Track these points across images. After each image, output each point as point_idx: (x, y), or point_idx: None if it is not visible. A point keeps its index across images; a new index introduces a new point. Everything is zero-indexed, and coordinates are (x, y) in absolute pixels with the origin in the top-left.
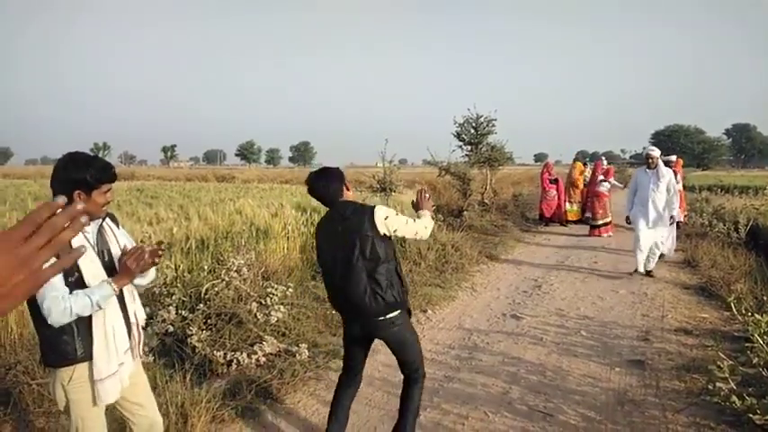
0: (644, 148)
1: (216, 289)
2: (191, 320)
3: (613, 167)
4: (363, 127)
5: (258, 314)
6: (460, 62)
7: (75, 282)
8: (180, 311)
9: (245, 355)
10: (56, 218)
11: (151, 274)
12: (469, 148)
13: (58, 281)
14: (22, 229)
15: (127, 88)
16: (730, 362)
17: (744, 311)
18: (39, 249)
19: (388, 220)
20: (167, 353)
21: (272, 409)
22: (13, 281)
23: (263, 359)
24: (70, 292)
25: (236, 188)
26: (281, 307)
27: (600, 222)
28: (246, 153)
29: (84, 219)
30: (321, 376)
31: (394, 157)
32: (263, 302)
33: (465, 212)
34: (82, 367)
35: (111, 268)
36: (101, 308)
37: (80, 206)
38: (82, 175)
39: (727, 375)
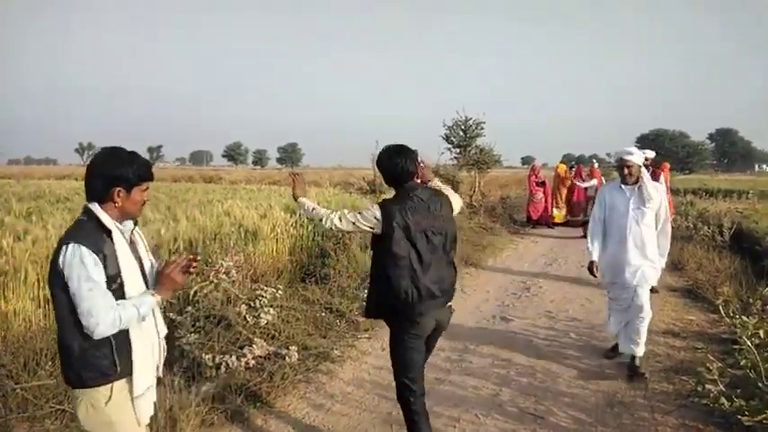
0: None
1: (204, 291)
2: (179, 323)
3: (598, 170)
4: (351, 129)
5: (247, 316)
6: (449, 65)
7: (119, 288)
8: (167, 314)
9: (234, 357)
10: None
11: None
12: (458, 150)
13: (105, 287)
14: None
15: (111, 89)
16: (719, 364)
17: (732, 314)
18: None
19: (456, 210)
20: None
21: (261, 413)
22: None
23: (253, 362)
24: None
25: (224, 189)
26: (271, 309)
27: (582, 220)
28: (233, 154)
29: None
30: (311, 379)
31: None
32: (252, 305)
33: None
34: (120, 385)
35: (143, 280)
36: (143, 320)
37: None
38: (125, 171)
39: (717, 377)
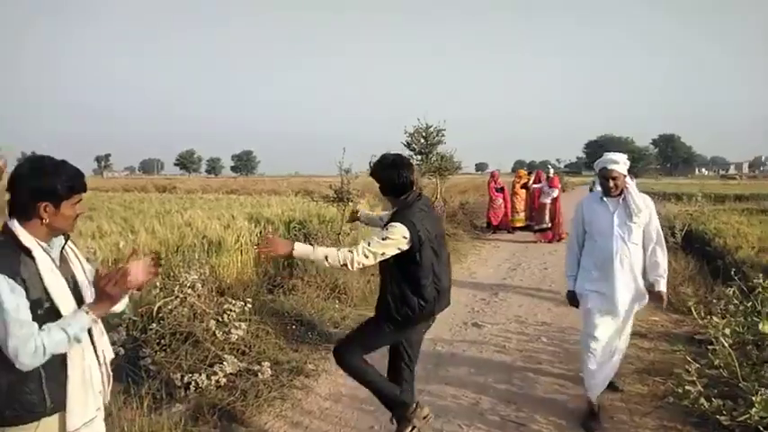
0: (583, 154)
1: (169, 307)
2: (143, 341)
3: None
4: (307, 136)
5: (217, 332)
6: (399, 69)
7: (47, 312)
8: (131, 332)
9: (204, 376)
10: None
11: (125, 300)
12: (420, 157)
13: (24, 314)
14: None
15: (54, 96)
16: (697, 365)
17: (703, 315)
18: None
19: None
20: (118, 377)
21: None
22: None
23: (224, 380)
24: (40, 326)
25: (181, 199)
26: (242, 324)
27: (536, 228)
28: (186, 162)
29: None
30: (286, 395)
31: (351, 165)
32: (221, 320)
33: None
34: (48, 422)
35: (77, 299)
36: (78, 341)
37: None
38: (51, 184)
39: (695, 378)
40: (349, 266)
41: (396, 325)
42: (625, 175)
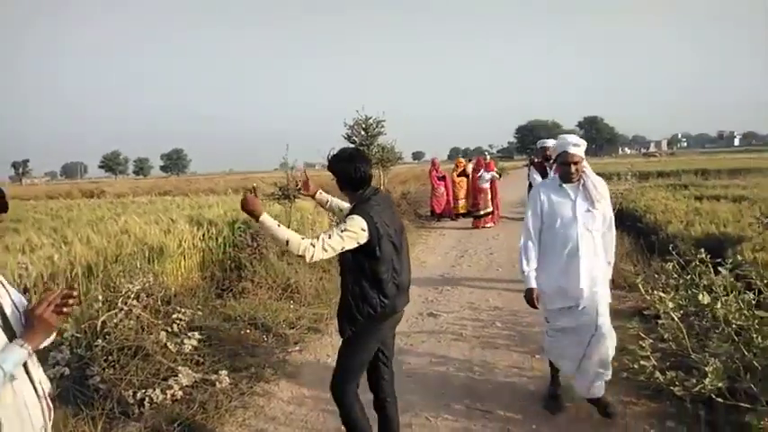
0: (514, 139)
1: (114, 321)
2: (90, 359)
3: (492, 162)
4: (240, 132)
5: (168, 344)
6: (331, 63)
7: None
8: (75, 350)
9: (158, 391)
10: None
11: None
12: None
13: None
14: None
15: None
16: (651, 341)
17: (650, 290)
18: None
19: None
20: (66, 400)
21: None
22: None
23: (180, 393)
24: None
25: (112, 204)
26: (196, 333)
27: (480, 213)
28: (111, 164)
29: None
30: (247, 403)
31: (295, 162)
32: (171, 330)
33: None
34: None
35: (6, 332)
36: (15, 378)
37: None
38: None
39: (650, 354)
40: (306, 258)
41: (359, 327)
42: (582, 158)
